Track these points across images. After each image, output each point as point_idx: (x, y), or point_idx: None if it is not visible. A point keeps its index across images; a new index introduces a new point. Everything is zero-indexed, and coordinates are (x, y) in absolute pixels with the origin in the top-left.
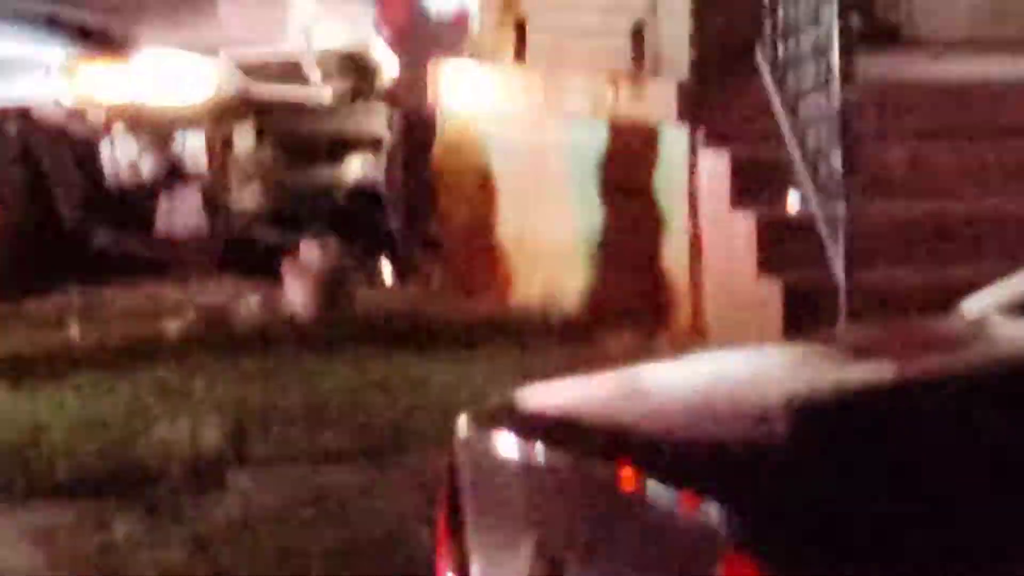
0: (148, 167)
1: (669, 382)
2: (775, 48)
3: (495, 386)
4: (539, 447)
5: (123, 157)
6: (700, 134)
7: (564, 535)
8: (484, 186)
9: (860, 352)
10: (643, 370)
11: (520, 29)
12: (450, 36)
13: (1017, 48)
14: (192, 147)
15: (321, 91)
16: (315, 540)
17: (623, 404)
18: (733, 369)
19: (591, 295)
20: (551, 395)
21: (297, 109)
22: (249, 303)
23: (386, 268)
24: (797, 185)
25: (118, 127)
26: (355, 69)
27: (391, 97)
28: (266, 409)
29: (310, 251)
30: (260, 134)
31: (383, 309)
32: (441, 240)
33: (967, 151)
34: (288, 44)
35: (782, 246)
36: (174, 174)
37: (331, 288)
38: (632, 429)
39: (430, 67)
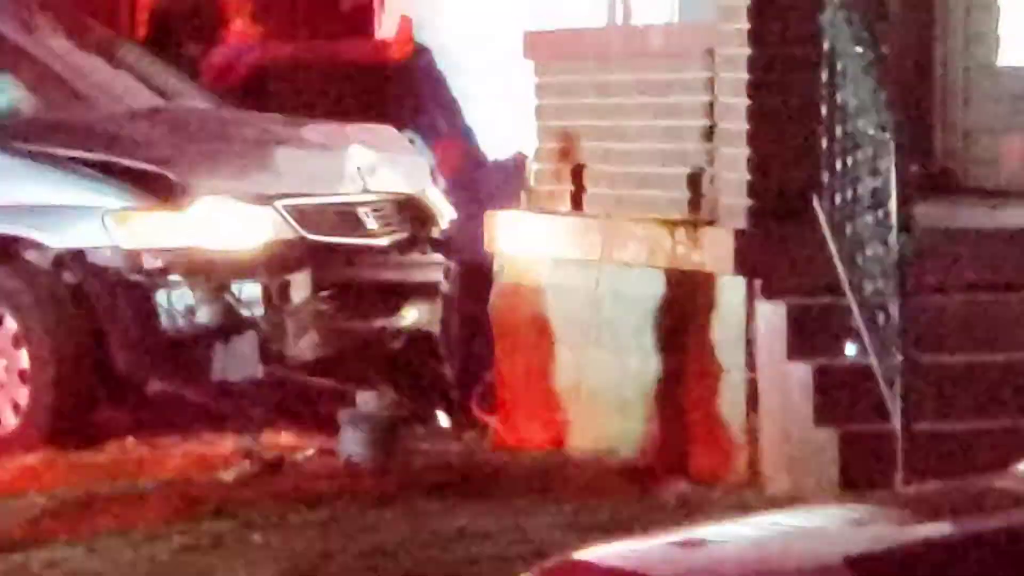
0: (204, 314)
1: (730, 543)
2: (832, 197)
3: (552, 537)
4: None
5: (179, 304)
6: (757, 283)
7: None
8: (540, 334)
9: (919, 511)
10: (704, 530)
11: (577, 177)
12: (507, 183)
13: None
14: (248, 294)
15: (378, 238)
16: None
17: (684, 566)
18: (793, 530)
19: (648, 444)
20: (613, 554)
21: (354, 256)
22: (305, 452)
23: (442, 417)
24: (854, 335)
25: (174, 274)
26: (411, 216)
27: (447, 244)
28: (322, 561)
29: (366, 400)
30: (316, 281)
31: (439, 458)
32: (497, 388)
33: None
34: (345, 191)
35: (839, 396)
36: (230, 321)
37: (386, 437)
38: None
39: (486, 214)
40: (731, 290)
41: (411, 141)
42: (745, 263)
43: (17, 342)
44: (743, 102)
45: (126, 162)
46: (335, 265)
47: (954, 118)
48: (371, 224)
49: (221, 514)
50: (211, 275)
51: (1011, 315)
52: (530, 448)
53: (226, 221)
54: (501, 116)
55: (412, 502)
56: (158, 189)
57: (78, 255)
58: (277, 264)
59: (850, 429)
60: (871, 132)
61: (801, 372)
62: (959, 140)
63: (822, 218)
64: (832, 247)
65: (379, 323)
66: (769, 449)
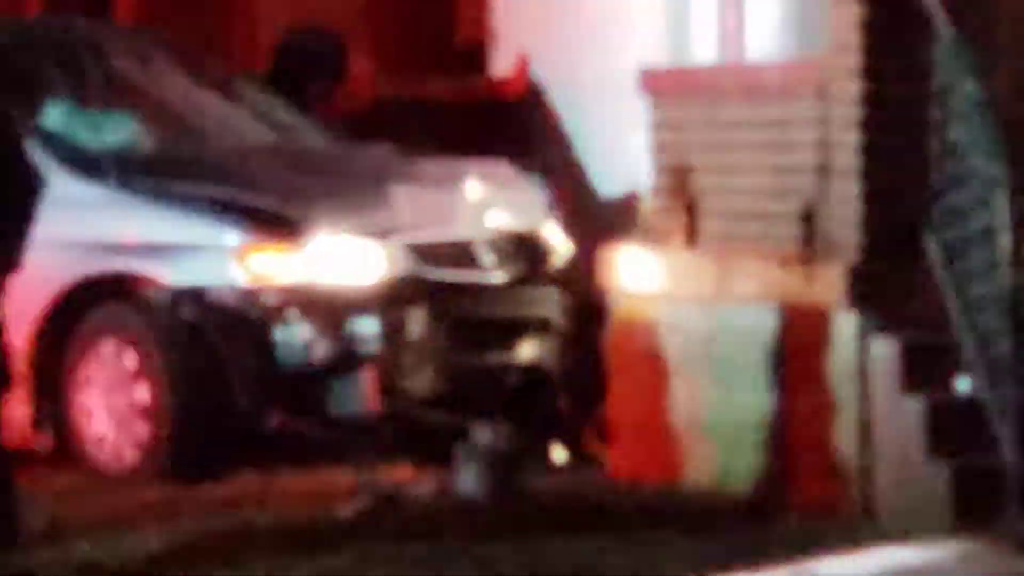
0: (321, 350)
1: None
2: (944, 232)
3: (670, 571)
4: None
5: (297, 339)
6: (870, 317)
7: None
8: (654, 368)
9: None
10: (818, 564)
11: (691, 213)
12: (621, 219)
13: None
14: (365, 330)
15: (493, 273)
16: None
17: None
18: (907, 565)
19: (762, 477)
20: None
21: (469, 292)
22: (421, 487)
23: (558, 451)
24: (966, 369)
25: (292, 310)
26: (526, 251)
27: (562, 279)
28: None
29: (482, 434)
30: (432, 317)
31: (555, 493)
32: (612, 423)
33: None
34: (460, 227)
35: (951, 430)
36: (347, 357)
37: (503, 472)
38: None
39: (601, 249)
40: (844, 325)
41: (527, 177)
42: (858, 298)
43: (137, 378)
44: (855, 138)
45: (244, 199)
46: (451, 301)
47: None
48: (487, 260)
49: (338, 549)
50: (328, 311)
51: None
52: (645, 482)
53: (343, 257)
54: (615, 152)
55: (529, 536)
56: (275, 226)
57: (196, 292)
58: (394, 300)
59: (963, 463)
60: (982, 167)
61: (914, 406)
62: None
63: (934, 253)
64: (944, 281)
65: (495, 358)
66: (882, 483)
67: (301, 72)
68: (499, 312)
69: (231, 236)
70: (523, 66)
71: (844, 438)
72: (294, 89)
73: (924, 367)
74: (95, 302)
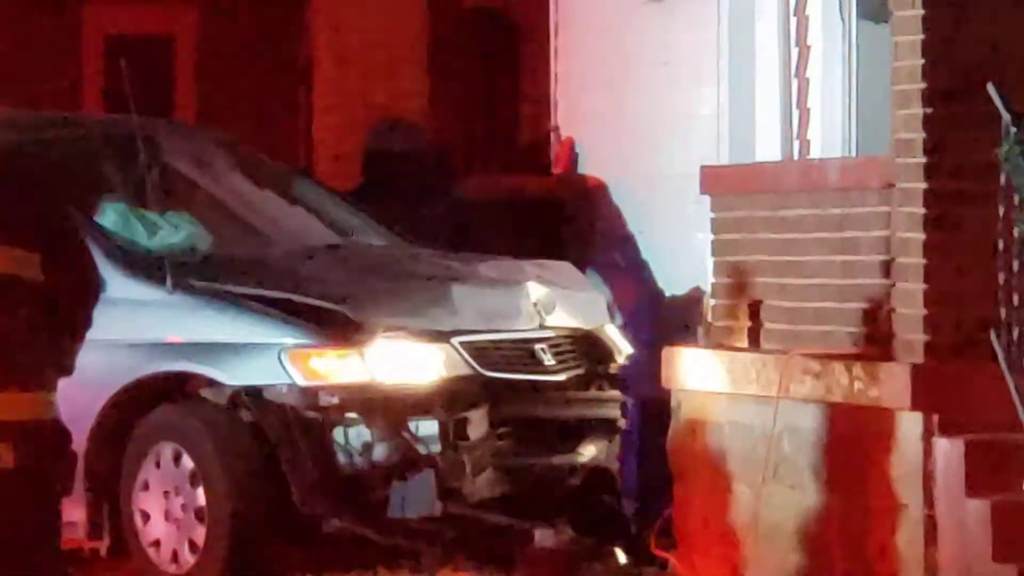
0: (381, 451)
1: None
2: (1010, 331)
3: None
4: None
5: (356, 441)
6: (934, 418)
7: None
8: (718, 469)
9: None
10: None
11: (754, 312)
12: (684, 319)
13: None
14: (425, 431)
15: (554, 374)
16: None
17: None
18: None
19: None
20: None
21: (530, 392)
22: None
23: (620, 553)
24: None
25: (351, 411)
26: (589, 352)
27: (625, 380)
28: None
29: (544, 536)
30: (493, 418)
31: None
32: (675, 524)
33: None
34: (522, 328)
35: (1018, 532)
36: (407, 458)
37: (566, 574)
38: None
39: (664, 350)
40: (908, 425)
41: (588, 277)
42: (922, 398)
43: (194, 480)
44: (920, 236)
45: (302, 299)
46: (512, 401)
47: None
48: (548, 360)
49: None
50: (388, 412)
51: None
52: None
53: (403, 358)
54: (678, 251)
55: None
56: (335, 326)
57: (255, 392)
58: (454, 401)
59: None
60: None
61: (979, 508)
62: None
63: (1000, 353)
64: (1010, 382)
65: (557, 459)
66: None
67: (392, 172)
68: (560, 413)
69: (290, 336)
70: (567, 150)
71: (909, 540)
72: (387, 192)
73: (990, 468)
74: (152, 403)
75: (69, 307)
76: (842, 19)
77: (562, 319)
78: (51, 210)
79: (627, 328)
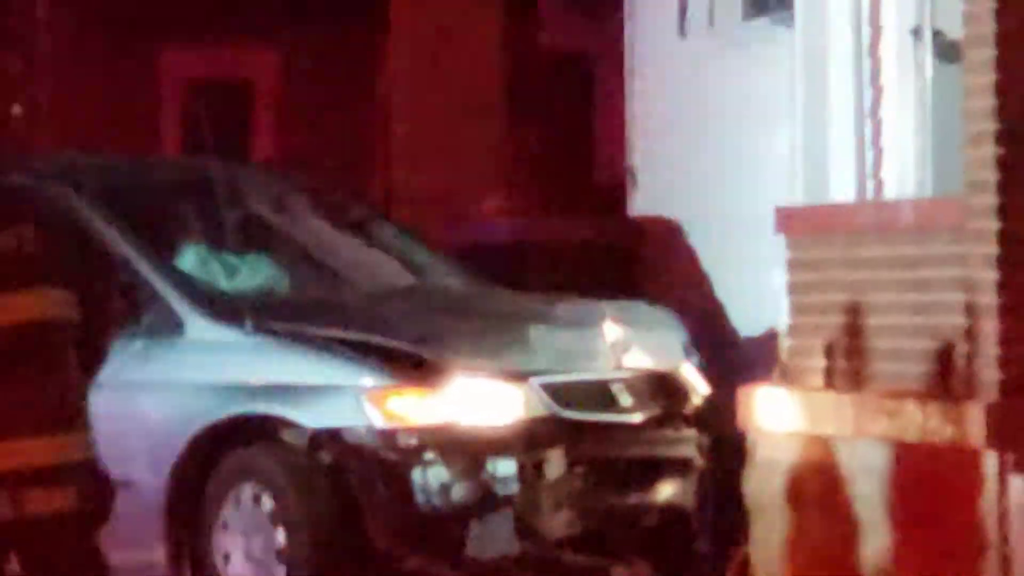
0: (460, 491)
1: None
2: None
3: None
4: None
5: (435, 481)
6: (1010, 457)
7: None
8: (794, 510)
9: None
10: None
11: (829, 352)
12: (760, 359)
13: None
14: (503, 471)
15: (631, 414)
16: None
17: None
18: None
19: None
20: None
21: (607, 432)
22: None
23: None
24: None
25: (430, 452)
26: (665, 392)
27: (701, 420)
28: None
29: None
30: (571, 458)
31: None
32: (752, 564)
33: None
34: (598, 367)
35: None
36: (486, 498)
37: None
38: None
39: (740, 390)
40: (984, 465)
41: (664, 317)
42: (997, 437)
43: (274, 520)
44: (992, 276)
45: (381, 340)
46: (589, 441)
47: None
48: (625, 400)
49: None
50: (466, 452)
51: None
52: None
53: (481, 399)
54: (752, 291)
55: None
56: (413, 367)
57: (334, 434)
58: (532, 441)
59: None
60: None
61: None
62: None
63: None
64: None
65: (633, 499)
66: None
67: None
68: (637, 452)
69: (368, 378)
70: None
71: None
72: None
73: None
74: (232, 445)
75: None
76: (915, 59)
77: (638, 359)
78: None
79: (703, 368)
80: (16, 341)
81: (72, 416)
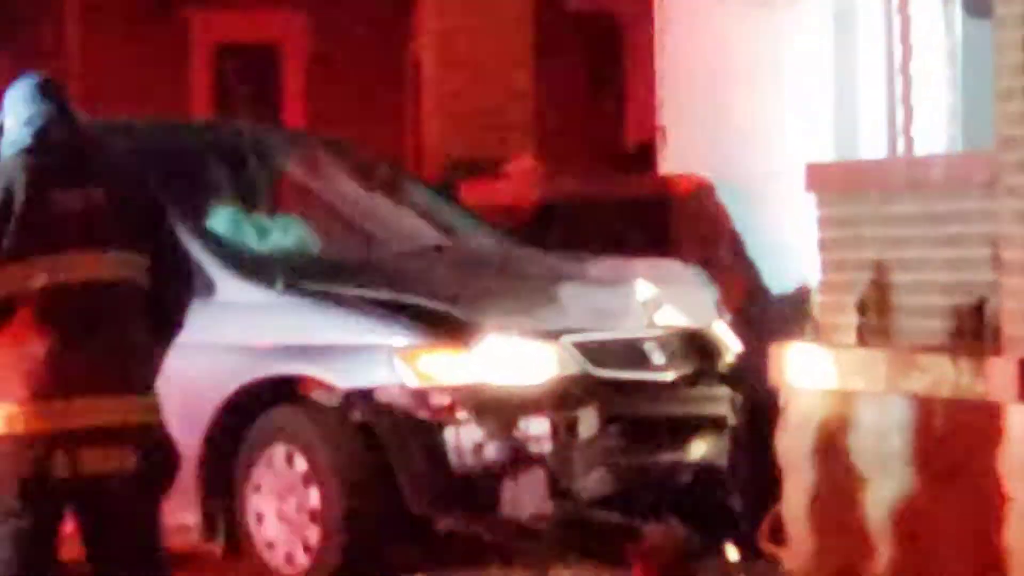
0: (492, 451)
1: None
2: None
3: None
4: None
5: (467, 441)
6: None
7: None
8: (827, 467)
9: None
10: None
11: (861, 309)
12: (792, 316)
13: None
14: (536, 430)
15: (663, 372)
16: None
17: None
18: None
19: (934, 574)
20: None
21: (640, 391)
22: None
23: (731, 550)
24: None
25: (462, 411)
26: (697, 350)
27: (733, 378)
28: None
29: (655, 535)
30: (603, 417)
31: None
32: (785, 521)
33: None
34: (630, 326)
35: None
36: (518, 458)
37: (676, 572)
38: None
39: (772, 348)
40: (1016, 419)
41: (696, 275)
42: None
43: (307, 481)
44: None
45: (412, 300)
46: (622, 400)
47: None
48: (657, 359)
49: None
50: (499, 412)
51: None
52: None
53: (513, 358)
54: (785, 248)
55: None
56: (445, 327)
57: (366, 394)
58: (564, 400)
59: None
60: None
61: None
62: None
63: None
64: None
65: (666, 457)
66: None
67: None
68: (670, 411)
69: (400, 337)
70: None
71: (1018, 534)
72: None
73: None
74: (265, 406)
75: (169, 311)
76: (945, 15)
77: (670, 317)
78: (157, 215)
79: (735, 325)
80: (85, 300)
81: (135, 379)
